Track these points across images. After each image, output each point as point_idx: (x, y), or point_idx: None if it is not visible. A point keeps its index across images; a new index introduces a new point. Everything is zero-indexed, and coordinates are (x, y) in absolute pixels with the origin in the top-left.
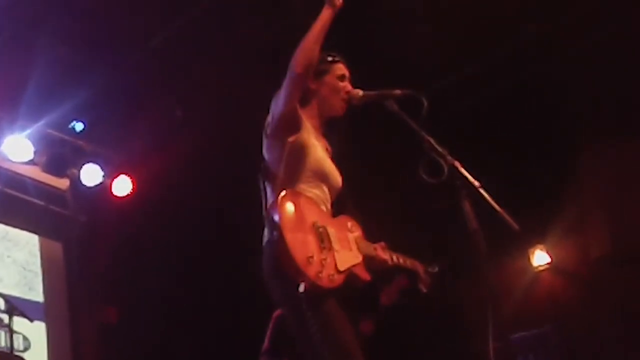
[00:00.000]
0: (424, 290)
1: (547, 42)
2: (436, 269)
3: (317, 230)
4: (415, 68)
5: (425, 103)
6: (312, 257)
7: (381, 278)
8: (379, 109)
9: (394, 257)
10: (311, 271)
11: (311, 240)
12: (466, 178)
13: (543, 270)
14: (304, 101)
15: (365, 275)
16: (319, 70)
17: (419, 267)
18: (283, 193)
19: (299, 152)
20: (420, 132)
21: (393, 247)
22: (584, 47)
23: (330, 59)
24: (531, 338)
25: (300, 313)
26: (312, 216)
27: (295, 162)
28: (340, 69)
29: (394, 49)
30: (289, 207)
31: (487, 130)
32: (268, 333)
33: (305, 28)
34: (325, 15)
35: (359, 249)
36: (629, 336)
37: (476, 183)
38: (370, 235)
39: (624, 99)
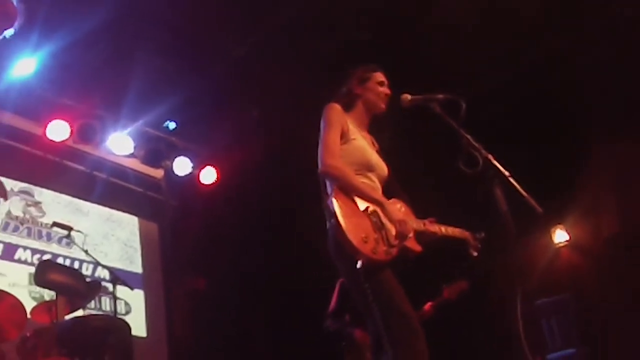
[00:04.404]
0: (475, 253)
1: (567, 52)
2: (483, 235)
3: (370, 214)
4: (456, 75)
5: (464, 105)
6: (366, 236)
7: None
8: (425, 110)
9: (443, 229)
10: (367, 249)
11: (365, 223)
12: (498, 168)
13: (563, 246)
14: (351, 105)
15: (416, 247)
16: (363, 78)
17: (468, 235)
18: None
19: (350, 151)
20: (460, 130)
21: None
22: (598, 57)
23: (371, 68)
24: (553, 304)
25: (359, 285)
26: (362, 203)
27: (346, 159)
28: (380, 76)
29: (437, 59)
30: (343, 197)
31: (516, 128)
32: (334, 297)
33: (360, 43)
34: (376, 197)
35: (409, 224)
36: (635, 304)
37: (506, 173)
38: (418, 214)
39: (632, 100)
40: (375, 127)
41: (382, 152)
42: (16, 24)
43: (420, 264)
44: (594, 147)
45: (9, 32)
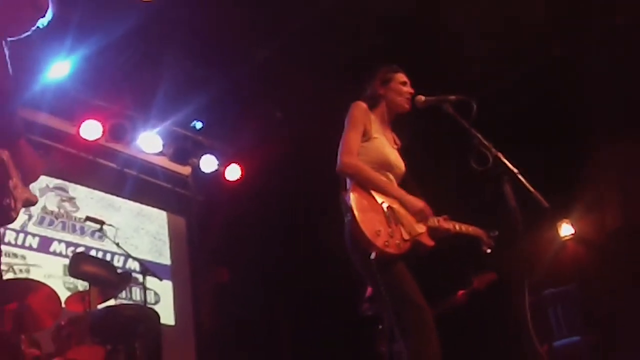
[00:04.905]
0: (488, 250)
1: (572, 57)
2: (496, 233)
3: (384, 209)
4: (467, 77)
5: (475, 106)
6: (380, 230)
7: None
8: (438, 110)
9: (457, 226)
10: (380, 242)
11: (379, 217)
12: (507, 166)
13: (568, 239)
14: (375, 104)
15: (429, 242)
16: (385, 79)
17: (481, 233)
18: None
19: (369, 149)
20: (471, 130)
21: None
22: (600, 60)
23: (393, 69)
24: (559, 294)
25: (373, 276)
26: (379, 198)
27: (365, 158)
28: (402, 77)
29: (450, 62)
30: (359, 192)
31: (524, 127)
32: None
33: (381, 47)
34: (394, 191)
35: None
36: (636, 294)
37: (515, 170)
38: (433, 210)
39: (633, 101)
40: (397, 126)
41: (402, 150)
42: (49, 13)
43: (450, 257)
44: (597, 146)
45: (42, 22)
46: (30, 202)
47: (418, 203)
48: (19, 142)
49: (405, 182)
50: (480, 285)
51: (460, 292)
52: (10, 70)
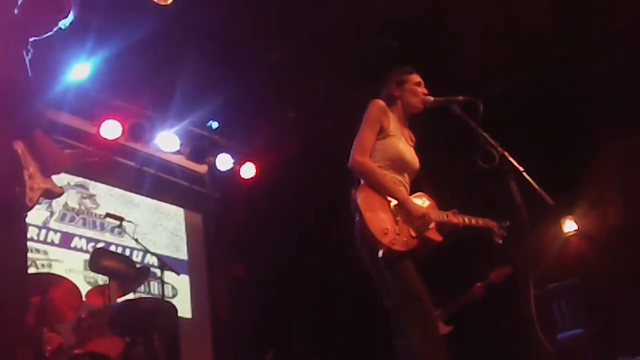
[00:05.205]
0: (499, 241)
1: (573, 58)
2: (508, 223)
3: (392, 208)
4: (473, 77)
5: (481, 107)
6: (387, 229)
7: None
8: (446, 110)
9: (466, 220)
10: (387, 240)
11: (387, 216)
12: (513, 164)
13: (572, 235)
14: (391, 103)
15: (437, 237)
16: (400, 80)
17: (492, 224)
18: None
19: (385, 146)
20: (478, 129)
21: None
22: (603, 62)
23: (407, 71)
24: (563, 288)
25: (381, 272)
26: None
27: (381, 155)
28: (416, 77)
29: (457, 64)
30: (368, 191)
31: (529, 127)
32: None
33: (392, 51)
34: (398, 195)
35: (430, 217)
36: (637, 288)
37: (520, 168)
38: (443, 205)
39: (633, 103)
40: (411, 125)
41: (417, 147)
42: (71, 14)
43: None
44: (598, 146)
45: (64, 23)
46: (52, 193)
47: (420, 209)
48: (34, 133)
49: (418, 180)
50: (497, 278)
51: (478, 285)
52: (30, 72)
